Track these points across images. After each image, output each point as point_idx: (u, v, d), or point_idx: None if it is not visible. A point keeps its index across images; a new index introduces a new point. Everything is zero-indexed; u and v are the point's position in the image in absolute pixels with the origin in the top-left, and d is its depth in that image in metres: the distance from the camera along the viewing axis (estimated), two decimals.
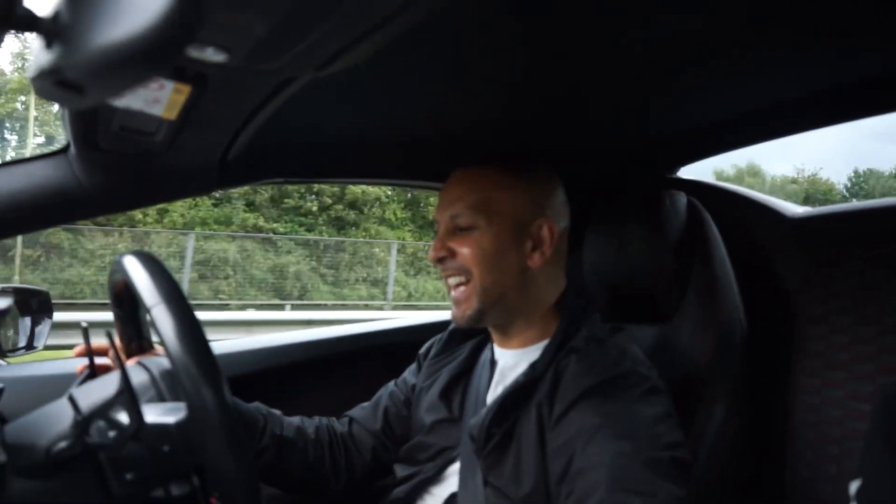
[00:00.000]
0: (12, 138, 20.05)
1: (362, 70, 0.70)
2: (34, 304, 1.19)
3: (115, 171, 0.96)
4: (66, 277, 11.08)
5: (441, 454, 1.05)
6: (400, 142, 1.25)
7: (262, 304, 12.24)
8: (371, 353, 1.56)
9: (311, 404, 1.44)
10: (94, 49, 0.32)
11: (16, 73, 18.33)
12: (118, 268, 0.76)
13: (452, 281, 1.03)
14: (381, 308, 12.94)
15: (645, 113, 1.21)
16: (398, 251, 14.18)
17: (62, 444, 0.67)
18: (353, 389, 1.46)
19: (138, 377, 0.78)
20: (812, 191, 30.39)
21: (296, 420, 1.16)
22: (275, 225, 14.78)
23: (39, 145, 17.68)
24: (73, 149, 0.92)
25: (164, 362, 0.81)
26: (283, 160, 1.17)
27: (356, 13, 0.49)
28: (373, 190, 15.54)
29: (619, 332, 1.03)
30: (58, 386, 0.88)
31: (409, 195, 16.59)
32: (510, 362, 1.05)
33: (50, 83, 0.34)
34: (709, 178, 1.51)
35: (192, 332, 0.67)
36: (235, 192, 12.88)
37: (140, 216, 12.94)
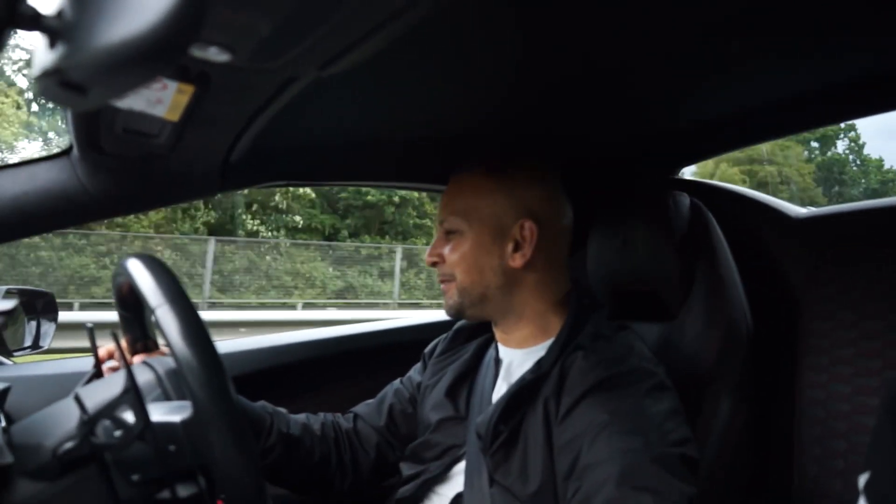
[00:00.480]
0: None
1: (365, 70, 0.70)
2: (39, 305, 1.19)
3: (118, 174, 0.96)
4: None
5: (447, 453, 1.05)
6: (403, 143, 1.25)
7: (276, 304, 12.30)
8: (374, 351, 1.56)
9: (314, 403, 1.44)
10: (97, 48, 0.32)
11: None
12: (122, 270, 0.76)
13: (442, 284, 1.08)
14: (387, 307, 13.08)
15: (647, 113, 1.21)
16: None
17: (68, 445, 0.67)
18: (357, 388, 1.46)
19: (144, 377, 0.78)
20: None
21: (301, 417, 1.16)
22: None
23: None
24: (76, 151, 0.92)
25: (170, 362, 0.81)
26: (286, 162, 1.17)
27: (359, 12, 0.49)
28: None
29: (624, 329, 1.03)
30: (64, 386, 0.88)
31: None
32: (515, 360, 1.06)
33: (53, 84, 0.34)
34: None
35: (196, 332, 0.68)
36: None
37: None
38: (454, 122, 1.17)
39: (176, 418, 0.69)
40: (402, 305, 13.50)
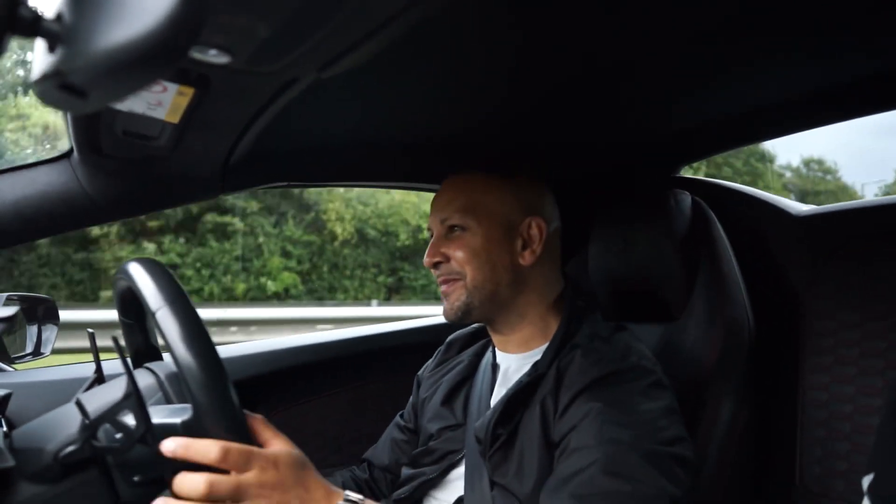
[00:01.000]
0: None
1: (365, 72, 0.70)
2: (40, 311, 1.19)
3: (118, 177, 0.96)
4: None
5: (444, 458, 1.06)
6: (403, 144, 1.25)
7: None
8: (379, 354, 1.56)
9: (318, 406, 1.44)
10: (97, 51, 0.31)
11: None
12: (123, 274, 0.76)
13: (444, 285, 1.05)
14: None
15: (648, 113, 1.20)
16: None
17: (70, 448, 0.67)
18: (361, 391, 1.46)
19: (145, 381, 0.78)
20: None
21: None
22: None
23: None
24: (75, 154, 0.92)
25: (171, 365, 0.81)
26: (286, 163, 1.17)
27: (358, 14, 0.49)
28: None
29: (622, 330, 1.03)
30: (65, 391, 0.88)
31: None
32: (513, 365, 1.06)
33: (53, 87, 0.34)
34: None
35: (196, 335, 0.68)
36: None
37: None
38: (453, 124, 1.17)
39: (176, 420, 0.69)
40: None
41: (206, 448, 0.67)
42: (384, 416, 1.29)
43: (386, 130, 1.18)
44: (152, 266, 0.74)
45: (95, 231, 8.87)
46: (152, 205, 1.08)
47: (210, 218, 10.13)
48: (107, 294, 9.03)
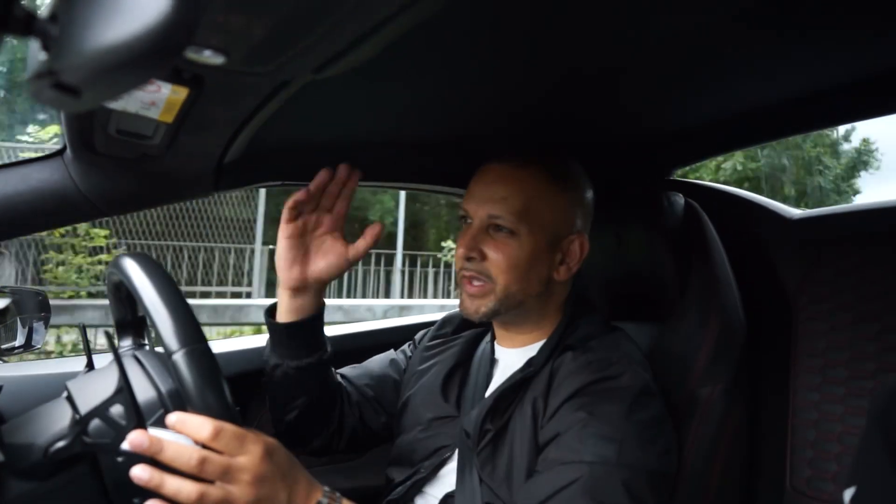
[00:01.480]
0: None
1: (359, 72, 0.70)
2: (32, 304, 1.19)
3: (111, 175, 0.96)
4: None
5: (436, 453, 1.05)
6: (395, 144, 1.25)
7: None
8: (372, 351, 1.56)
9: None
10: (91, 51, 0.31)
11: None
12: (115, 269, 0.76)
13: (472, 280, 1.00)
14: None
15: (641, 114, 1.21)
16: None
17: (60, 444, 0.67)
18: None
19: (145, 395, 0.75)
20: None
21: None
22: None
23: None
24: (69, 151, 0.92)
25: (171, 382, 0.80)
26: (281, 163, 1.17)
27: (353, 16, 0.49)
28: None
29: (615, 331, 1.03)
30: (56, 385, 0.88)
31: None
32: (511, 361, 1.05)
33: (46, 86, 0.34)
34: None
35: (188, 326, 0.68)
36: None
37: None
38: (446, 125, 1.17)
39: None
40: None
41: (200, 424, 0.67)
42: None
43: (380, 130, 1.18)
44: (144, 261, 0.74)
45: None
46: (145, 202, 1.08)
47: None
48: None
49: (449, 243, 9.88)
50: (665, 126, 1.28)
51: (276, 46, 0.53)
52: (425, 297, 9.84)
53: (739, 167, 11.96)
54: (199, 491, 0.67)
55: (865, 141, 13.59)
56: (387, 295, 9.61)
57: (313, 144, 1.18)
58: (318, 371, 1.08)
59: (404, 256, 9.77)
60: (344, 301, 8.43)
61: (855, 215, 1.19)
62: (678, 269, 1.15)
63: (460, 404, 1.07)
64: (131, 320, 0.91)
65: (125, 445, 0.66)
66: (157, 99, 0.66)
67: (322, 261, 1.05)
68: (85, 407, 0.68)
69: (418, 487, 1.05)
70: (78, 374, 0.85)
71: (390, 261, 9.69)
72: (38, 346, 1.18)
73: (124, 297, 0.87)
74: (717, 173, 12.00)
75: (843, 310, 1.10)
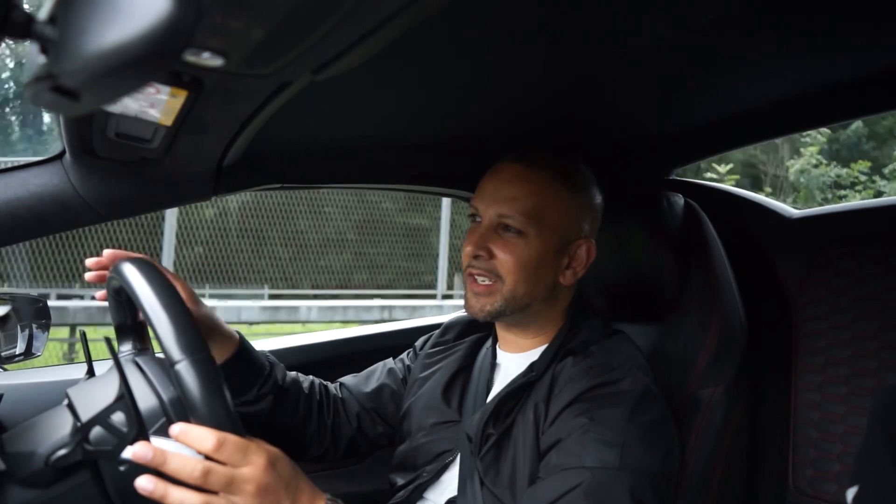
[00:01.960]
0: None
1: (359, 74, 0.69)
2: (32, 311, 1.18)
3: (111, 179, 0.95)
4: None
5: (439, 457, 1.05)
6: (394, 146, 1.25)
7: None
8: (377, 355, 1.55)
9: None
10: (90, 54, 0.31)
11: None
12: (115, 274, 0.76)
13: (479, 278, 0.99)
14: None
15: (640, 115, 1.21)
16: None
17: (62, 452, 0.66)
18: None
19: (147, 403, 0.75)
20: None
21: (293, 374, 1.14)
22: None
23: None
24: (68, 155, 0.92)
25: (173, 390, 0.80)
26: (281, 165, 1.17)
27: (353, 16, 0.49)
28: None
29: (616, 334, 1.02)
30: (57, 392, 0.88)
31: None
32: (513, 365, 1.05)
33: (45, 89, 0.34)
34: None
35: (190, 338, 0.68)
36: None
37: None
38: (446, 127, 1.17)
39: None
40: None
41: (203, 436, 0.67)
42: None
43: (379, 133, 1.18)
44: (144, 267, 0.74)
45: None
46: (144, 206, 1.07)
47: None
48: None
49: None
50: (664, 126, 1.28)
51: (275, 48, 0.53)
52: None
53: None
54: (204, 502, 0.67)
55: None
56: None
57: (313, 147, 1.18)
58: (276, 400, 1.07)
59: None
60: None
61: (855, 215, 1.19)
62: (678, 269, 1.14)
63: (462, 409, 1.07)
64: (131, 324, 0.90)
65: (129, 456, 0.65)
66: (157, 102, 0.65)
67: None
68: (86, 414, 0.68)
69: (420, 492, 1.05)
70: (79, 381, 0.85)
71: None
72: (39, 354, 1.18)
73: (124, 301, 0.86)
74: None
75: (843, 308, 1.10)
